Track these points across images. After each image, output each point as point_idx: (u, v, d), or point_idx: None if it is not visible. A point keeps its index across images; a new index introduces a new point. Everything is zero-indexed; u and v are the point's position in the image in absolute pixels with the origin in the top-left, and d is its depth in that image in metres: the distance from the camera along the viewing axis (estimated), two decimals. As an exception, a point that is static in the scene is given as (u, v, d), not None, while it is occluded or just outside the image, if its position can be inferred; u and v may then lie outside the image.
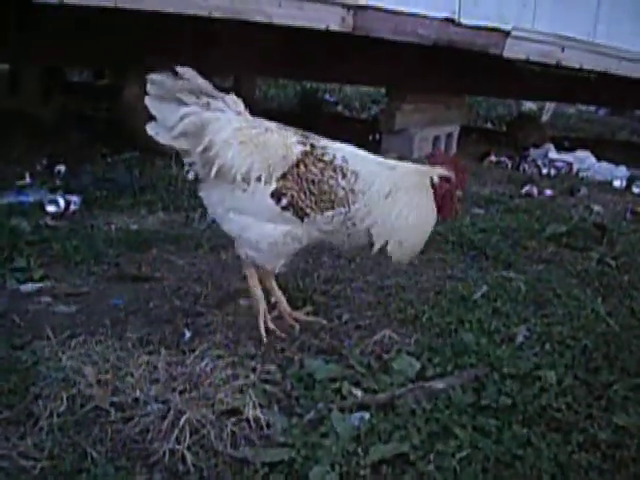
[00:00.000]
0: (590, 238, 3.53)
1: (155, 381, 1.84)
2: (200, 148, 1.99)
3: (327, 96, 9.70)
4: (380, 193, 2.02)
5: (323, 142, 2.08)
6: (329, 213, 1.99)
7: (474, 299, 2.56)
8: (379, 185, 2.02)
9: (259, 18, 3.48)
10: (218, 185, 2.05)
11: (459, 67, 5.01)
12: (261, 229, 2.04)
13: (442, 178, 2.07)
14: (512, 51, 4.46)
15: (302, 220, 2.01)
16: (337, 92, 10.51)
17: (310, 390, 1.90)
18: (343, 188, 1.99)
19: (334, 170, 1.99)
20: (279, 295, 2.29)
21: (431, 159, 2.23)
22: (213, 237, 3.07)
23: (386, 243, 2.06)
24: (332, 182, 1.98)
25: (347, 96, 10.44)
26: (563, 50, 4.74)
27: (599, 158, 5.97)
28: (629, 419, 1.82)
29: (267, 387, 1.88)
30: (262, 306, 2.19)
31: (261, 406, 1.76)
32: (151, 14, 3.22)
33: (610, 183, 5.36)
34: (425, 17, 3.99)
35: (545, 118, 11.77)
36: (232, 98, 2.10)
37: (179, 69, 1.99)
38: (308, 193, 1.98)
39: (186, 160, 2.10)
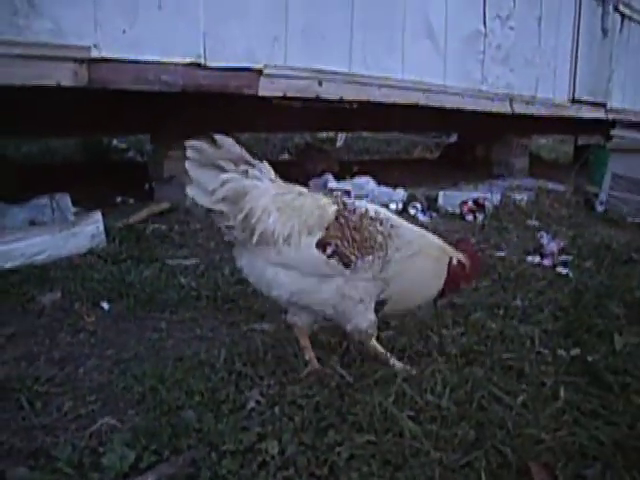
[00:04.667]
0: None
1: None
2: (242, 215, 2.09)
3: (115, 142, 9.23)
4: (409, 250, 2.18)
5: (351, 200, 2.27)
6: (369, 257, 2.11)
7: (212, 363, 2.41)
8: (408, 244, 2.18)
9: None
10: (259, 249, 2.13)
11: (227, 106, 4.96)
12: (315, 293, 2.14)
13: (459, 262, 2.27)
14: (267, 89, 4.45)
15: (347, 267, 2.09)
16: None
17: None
18: (381, 233, 2.14)
19: (371, 218, 2.15)
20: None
21: (458, 243, 2.38)
22: None
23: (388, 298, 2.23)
24: (371, 228, 2.13)
25: (140, 140, 10.04)
26: (321, 84, 4.83)
27: (379, 182, 6.19)
28: (347, 484, 1.75)
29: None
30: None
31: None
32: None
33: (387, 206, 5.53)
34: (168, 64, 3.84)
35: (340, 143, 12.25)
36: (265, 166, 2.21)
37: (218, 137, 2.10)
38: (351, 240, 2.10)
39: (223, 224, 2.16)
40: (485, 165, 8.41)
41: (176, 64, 3.90)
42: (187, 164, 2.13)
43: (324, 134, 11.95)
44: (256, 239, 2.11)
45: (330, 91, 4.93)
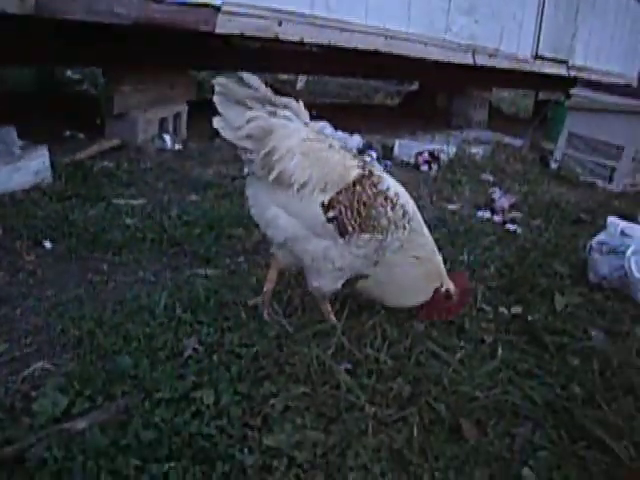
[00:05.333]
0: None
1: None
2: (263, 152, 2.05)
3: (70, 73, 8.82)
4: (411, 253, 2.18)
5: (380, 172, 2.18)
6: (366, 236, 2.07)
7: (152, 308, 2.37)
8: (419, 246, 2.19)
9: None
10: (272, 186, 2.10)
11: (182, 43, 4.78)
12: (305, 242, 2.12)
13: (447, 292, 2.26)
14: (225, 27, 4.29)
15: (341, 235, 2.07)
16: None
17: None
18: (388, 218, 2.10)
19: (385, 199, 2.10)
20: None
21: (455, 275, 2.35)
22: None
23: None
24: (381, 209, 2.09)
25: (94, 72, 9.61)
26: (280, 24, 4.68)
27: (337, 128, 6.10)
28: (279, 438, 1.75)
29: None
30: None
31: None
32: None
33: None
34: (122, -6, 3.65)
35: (300, 85, 12.01)
36: (299, 107, 2.17)
37: (244, 75, 2.07)
38: (355, 212, 2.06)
39: (245, 157, 2.13)
40: (444, 115, 8.40)
41: (130, -5, 3.72)
42: (215, 98, 2.10)
43: (285, 76, 11.70)
44: (273, 177, 2.07)
45: (290, 32, 4.78)
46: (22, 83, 7.87)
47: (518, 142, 6.86)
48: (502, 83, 9.68)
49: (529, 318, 2.53)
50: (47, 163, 3.68)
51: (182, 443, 1.70)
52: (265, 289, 2.38)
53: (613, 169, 5.59)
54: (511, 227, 3.87)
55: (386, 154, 5.57)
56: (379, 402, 1.94)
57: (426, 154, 5.33)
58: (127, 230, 3.14)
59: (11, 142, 3.83)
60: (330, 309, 2.33)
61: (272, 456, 1.70)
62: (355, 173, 2.10)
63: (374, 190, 2.10)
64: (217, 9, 4.20)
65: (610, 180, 5.61)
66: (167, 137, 4.94)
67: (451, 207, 4.21)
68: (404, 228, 2.14)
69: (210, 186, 4.07)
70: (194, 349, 2.13)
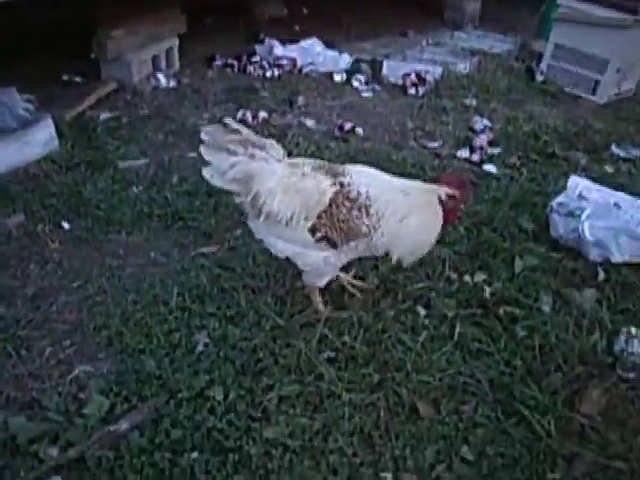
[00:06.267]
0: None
1: None
2: (250, 197, 2.43)
3: None
4: (395, 218, 2.44)
5: (349, 177, 2.46)
6: (353, 243, 2.45)
7: (167, 300, 2.82)
8: (395, 212, 2.44)
9: None
10: (265, 222, 2.47)
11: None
12: (306, 257, 2.52)
13: (448, 195, 2.51)
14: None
15: (334, 248, 2.45)
16: None
17: (14, 457, 2.13)
18: (367, 225, 2.42)
19: (360, 209, 2.40)
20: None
21: (442, 178, 2.61)
22: None
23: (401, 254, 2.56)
24: (357, 222, 2.41)
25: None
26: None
27: (326, 41, 6.18)
28: (276, 429, 2.25)
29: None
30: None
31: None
32: None
33: (332, 78, 5.64)
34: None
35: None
36: (273, 145, 2.48)
37: (227, 122, 2.41)
38: (338, 230, 2.41)
39: (237, 199, 2.52)
40: (437, 6, 8.28)
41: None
42: (202, 148, 2.41)
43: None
44: (263, 218, 2.45)
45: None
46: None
47: (508, 46, 6.90)
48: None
49: (487, 291, 2.94)
50: (53, 132, 3.96)
51: (202, 438, 2.21)
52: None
53: (597, 82, 5.74)
54: (489, 168, 4.18)
55: (375, 74, 5.71)
56: (353, 389, 2.42)
57: (413, 76, 5.49)
58: (135, 205, 3.50)
59: (15, 104, 4.08)
60: (320, 298, 2.77)
61: (271, 445, 2.21)
62: (330, 193, 2.41)
63: (348, 205, 2.41)
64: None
65: (594, 92, 5.78)
66: (160, 76, 5.13)
67: (432, 145, 4.49)
68: (381, 226, 2.43)
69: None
70: (204, 344, 2.60)
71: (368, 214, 2.43)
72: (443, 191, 2.53)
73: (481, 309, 2.86)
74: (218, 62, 5.69)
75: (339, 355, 2.56)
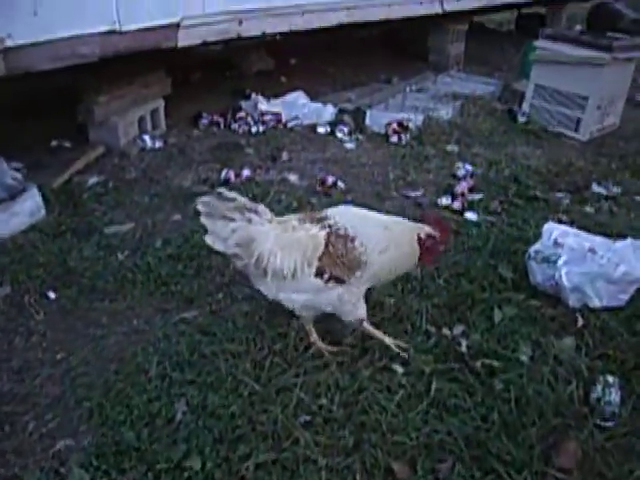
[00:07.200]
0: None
1: None
2: (254, 259, 2.57)
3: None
4: (376, 250, 2.61)
5: (332, 218, 2.65)
6: (358, 273, 2.61)
7: (147, 369, 2.85)
8: (377, 245, 2.61)
9: None
10: (272, 280, 2.62)
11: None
12: (321, 300, 2.67)
13: (428, 235, 2.68)
14: (187, 39, 4.51)
15: (342, 284, 2.61)
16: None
17: None
18: (362, 253, 2.58)
19: (352, 241, 2.58)
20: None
21: (424, 217, 2.80)
22: None
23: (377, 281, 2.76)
24: (355, 252, 2.58)
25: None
26: (241, 23, 4.87)
27: (310, 95, 6.33)
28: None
29: None
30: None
31: None
32: None
33: (315, 130, 5.75)
34: (84, 36, 3.88)
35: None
36: (263, 209, 2.63)
37: (222, 191, 2.57)
38: (341, 266, 2.57)
39: (238, 263, 2.65)
40: (422, 51, 8.46)
41: (91, 35, 3.94)
42: (202, 219, 2.57)
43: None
44: (270, 277, 2.60)
45: (251, 28, 4.98)
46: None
47: (491, 88, 7.03)
48: (479, 13, 9.55)
49: (464, 345, 2.96)
50: (40, 201, 4.06)
51: (179, 512, 2.23)
52: (312, 340, 2.93)
53: (579, 119, 5.84)
54: (468, 216, 4.23)
55: (358, 124, 5.82)
56: (330, 453, 2.43)
57: (395, 124, 5.60)
58: (119, 271, 3.56)
59: (3, 174, 4.17)
60: (377, 331, 2.92)
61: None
62: (322, 237, 2.60)
63: (341, 241, 2.59)
64: (177, 26, 4.40)
65: (576, 130, 5.88)
66: (146, 137, 5.24)
67: (414, 195, 4.56)
68: (368, 255, 2.60)
69: (191, 198, 4.41)
70: (183, 413, 2.63)
71: (361, 244, 2.60)
72: (423, 230, 2.68)
73: (459, 363, 2.88)
74: (204, 120, 5.80)
75: (315, 418, 2.57)
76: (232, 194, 2.60)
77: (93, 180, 4.66)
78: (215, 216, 2.56)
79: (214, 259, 3.66)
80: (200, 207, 2.56)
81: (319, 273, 2.58)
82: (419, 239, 2.70)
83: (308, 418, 2.58)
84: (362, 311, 2.78)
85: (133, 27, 4.13)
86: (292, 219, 2.70)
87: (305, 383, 2.73)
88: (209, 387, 2.75)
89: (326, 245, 2.58)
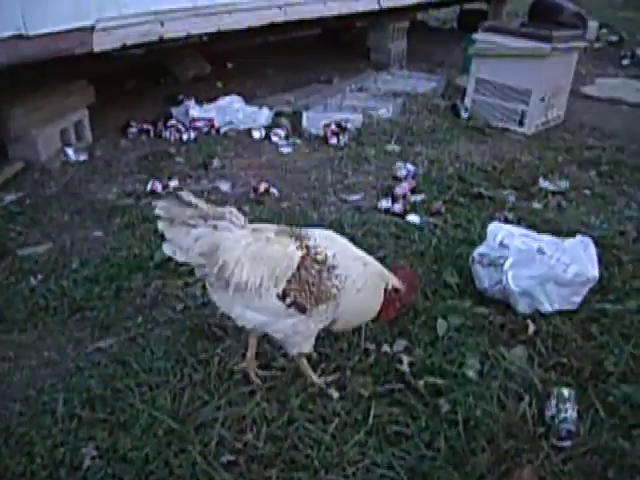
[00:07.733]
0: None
1: None
2: (217, 268, 2.27)
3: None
4: (355, 287, 2.37)
5: (313, 240, 2.38)
6: (323, 307, 2.34)
7: (54, 409, 2.51)
8: (355, 281, 2.37)
9: None
10: (232, 292, 2.32)
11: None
12: (275, 325, 2.39)
13: (394, 288, 2.46)
14: (104, 44, 4.18)
15: (303, 313, 2.33)
16: None
17: None
18: (336, 286, 2.33)
19: (328, 270, 2.32)
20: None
21: (395, 269, 2.57)
22: None
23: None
24: (327, 283, 2.32)
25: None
26: (163, 24, 4.56)
27: (246, 98, 6.03)
28: None
29: None
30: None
31: None
32: None
33: (251, 135, 5.46)
34: (-14, 42, 3.53)
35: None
36: (232, 212, 2.35)
37: (182, 194, 2.29)
38: (308, 293, 2.31)
39: (199, 272, 2.36)
40: (363, 50, 8.27)
41: (-3, 41, 3.59)
42: (160, 225, 2.28)
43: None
44: (232, 290, 2.30)
45: (175, 29, 4.68)
46: None
47: (433, 84, 6.86)
48: (419, 8, 9.38)
49: (405, 363, 2.71)
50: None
51: None
52: (249, 355, 2.65)
53: (523, 113, 5.69)
54: (411, 219, 4.00)
55: (295, 126, 5.57)
56: (256, 497, 2.16)
57: (333, 126, 5.36)
58: (31, 298, 3.22)
59: None
60: (309, 368, 2.64)
61: None
62: (297, 257, 2.31)
63: (317, 267, 2.32)
64: (91, 29, 4.07)
65: (521, 124, 5.73)
66: (69, 151, 4.88)
67: (352, 199, 4.32)
68: (344, 289, 2.36)
69: (115, 212, 4.10)
70: (92, 458, 2.31)
71: (337, 276, 2.35)
72: (392, 282, 2.47)
73: (400, 384, 2.64)
74: (133, 129, 5.44)
75: (239, 457, 2.29)
76: (195, 198, 2.31)
77: (9, 198, 4.30)
78: (175, 223, 2.27)
79: (134, 279, 3.35)
80: (158, 212, 2.27)
81: (282, 295, 2.32)
82: (385, 289, 2.46)
83: (231, 457, 2.29)
84: (309, 347, 2.51)
85: (41, 31, 3.78)
86: (269, 229, 2.42)
87: (228, 416, 2.44)
88: (121, 427, 2.44)
89: (298, 268, 2.31)
